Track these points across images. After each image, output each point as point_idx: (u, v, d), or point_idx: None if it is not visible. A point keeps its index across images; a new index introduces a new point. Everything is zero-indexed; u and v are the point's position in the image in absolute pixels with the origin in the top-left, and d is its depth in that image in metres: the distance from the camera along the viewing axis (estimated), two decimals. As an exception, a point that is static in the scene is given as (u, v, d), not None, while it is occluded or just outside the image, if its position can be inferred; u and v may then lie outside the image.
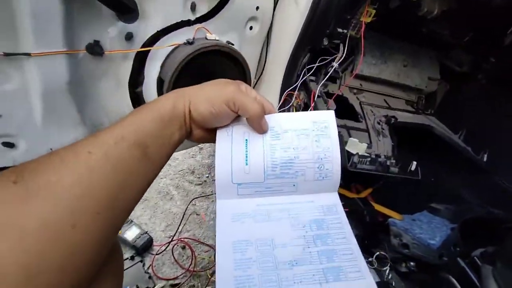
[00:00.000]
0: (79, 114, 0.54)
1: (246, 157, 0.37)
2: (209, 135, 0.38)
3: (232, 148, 0.37)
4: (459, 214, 0.86)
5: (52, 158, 0.25)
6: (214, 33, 0.58)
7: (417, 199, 0.97)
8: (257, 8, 0.63)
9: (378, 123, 0.96)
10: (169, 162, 0.83)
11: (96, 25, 0.50)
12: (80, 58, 0.51)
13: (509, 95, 0.94)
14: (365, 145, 0.70)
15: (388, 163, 0.71)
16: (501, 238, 0.57)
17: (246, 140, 0.37)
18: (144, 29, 0.54)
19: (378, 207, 0.80)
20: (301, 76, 0.87)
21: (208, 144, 1.03)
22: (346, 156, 0.66)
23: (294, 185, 0.38)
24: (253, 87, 0.93)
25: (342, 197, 0.78)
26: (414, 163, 0.74)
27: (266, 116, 0.37)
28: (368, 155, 0.69)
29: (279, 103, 0.90)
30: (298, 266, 0.33)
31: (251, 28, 0.66)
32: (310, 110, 0.83)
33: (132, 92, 0.59)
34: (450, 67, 1.10)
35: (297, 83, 0.87)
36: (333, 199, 0.39)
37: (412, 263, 0.64)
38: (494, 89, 0.98)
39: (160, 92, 0.60)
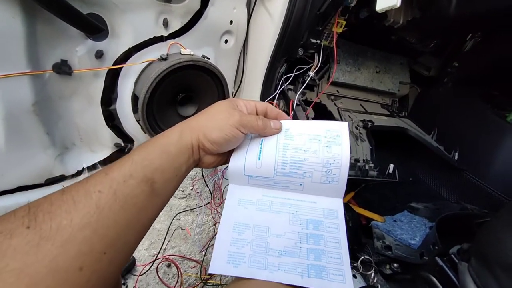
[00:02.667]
0: (48, 135, 0.52)
1: (260, 153, 0.40)
2: (220, 158, 0.39)
3: (248, 146, 0.40)
4: (437, 212, 0.90)
5: (64, 199, 0.25)
6: (189, 48, 0.58)
7: (397, 200, 1.00)
8: (231, 22, 0.63)
9: (356, 128, 0.99)
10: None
11: (63, 45, 0.48)
12: (46, 78, 0.49)
13: (472, 96, 1.00)
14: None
15: (366, 167, 0.73)
16: (474, 234, 0.60)
17: (262, 140, 0.40)
18: (115, 46, 0.53)
19: (360, 211, 0.82)
20: (279, 85, 0.88)
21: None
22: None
23: (300, 185, 0.40)
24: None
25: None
26: (392, 165, 0.76)
27: (284, 121, 0.41)
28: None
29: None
30: (286, 256, 0.36)
31: (226, 41, 0.67)
32: (290, 118, 0.84)
33: (105, 110, 0.57)
34: (419, 72, 1.16)
35: (275, 93, 0.88)
36: (336, 205, 0.40)
37: (395, 265, 0.65)
38: (459, 91, 1.05)
39: (135, 109, 0.58)
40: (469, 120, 0.98)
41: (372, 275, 0.62)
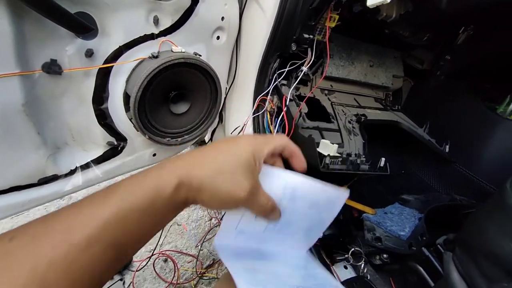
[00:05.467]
0: (39, 135, 0.52)
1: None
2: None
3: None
4: (427, 204, 0.92)
5: (27, 233, 0.22)
6: (180, 45, 0.58)
7: (389, 192, 1.02)
8: (222, 18, 0.63)
9: (349, 122, 1.00)
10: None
11: (52, 44, 0.47)
12: (36, 78, 0.48)
13: (463, 89, 1.01)
14: (336, 146, 0.72)
15: (358, 161, 0.74)
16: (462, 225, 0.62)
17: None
18: (106, 45, 0.52)
19: (352, 203, 0.84)
20: (273, 81, 0.88)
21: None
22: (318, 158, 0.68)
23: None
24: (226, 95, 0.94)
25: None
26: (383, 159, 0.78)
27: (290, 176, 0.35)
28: (339, 155, 0.72)
29: (253, 108, 0.91)
30: None
31: (218, 38, 0.66)
32: (283, 114, 0.85)
33: (97, 109, 0.57)
34: (412, 65, 1.17)
35: (269, 88, 0.88)
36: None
37: (385, 256, 0.67)
38: (451, 84, 1.06)
39: (127, 107, 0.58)
40: (461, 113, 0.99)
41: (362, 266, 0.64)
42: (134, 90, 0.53)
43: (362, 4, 0.81)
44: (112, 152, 0.63)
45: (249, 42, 0.84)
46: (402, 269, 0.62)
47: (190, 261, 0.91)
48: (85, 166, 0.59)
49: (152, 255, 0.88)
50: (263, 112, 0.93)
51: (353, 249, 0.67)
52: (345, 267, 0.63)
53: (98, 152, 0.61)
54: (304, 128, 0.85)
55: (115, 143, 0.62)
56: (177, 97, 0.64)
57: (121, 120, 0.60)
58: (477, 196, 0.92)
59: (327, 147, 0.72)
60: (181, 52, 0.57)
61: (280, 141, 0.34)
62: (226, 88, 0.85)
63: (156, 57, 0.54)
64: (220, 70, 0.71)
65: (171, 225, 1.02)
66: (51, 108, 0.53)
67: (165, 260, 0.89)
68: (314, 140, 0.68)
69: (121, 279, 0.77)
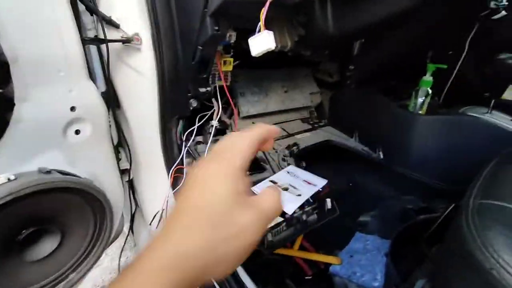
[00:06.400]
0: None
1: None
2: None
3: None
4: (383, 221, 0.88)
5: None
6: (5, 169, 0.38)
7: (345, 214, 0.96)
8: (73, 108, 0.45)
9: (283, 160, 0.91)
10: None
11: None
12: None
13: (374, 93, 1.04)
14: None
15: (304, 216, 0.64)
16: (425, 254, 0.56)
17: None
18: None
19: (315, 257, 0.73)
20: (183, 145, 0.73)
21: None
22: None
23: None
24: (129, 178, 0.74)
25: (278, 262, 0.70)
26: (328, 200, 0.69)
27: None
28: (281, 220, 0.60)
29: (169, 183, 0.74)
30: None
31: (77, 132, 0.47)
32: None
33: None
34: (323, 79, 1.17)
35: (181, 154, 0.73)
36: None
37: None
38: (362, 91, 1.08)
39: None
40: (380, 117, 1.01)
41: None
42: None
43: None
44: None
45: (137, 113, 0.67)
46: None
47: None
48: None
49: None
50: (183, 183, 0.76)
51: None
52: None
53: None
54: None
55: None
56: (33, 236, 0.43)
57: None
58: (419, 191, 0.93)
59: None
60: (7, 181, 0.37)
61: (250, 147, 0.24)
62: (126, 181, 0.66)
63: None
64: (99, 166, 0.52)
65: None
66: None
67: None
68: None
69: None
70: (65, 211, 0.45)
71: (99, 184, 0.50)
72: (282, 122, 1.08)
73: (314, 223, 0.64)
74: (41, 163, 0.43)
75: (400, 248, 0.67)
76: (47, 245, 0.44)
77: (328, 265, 0.70)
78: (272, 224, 0.58)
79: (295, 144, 0.97)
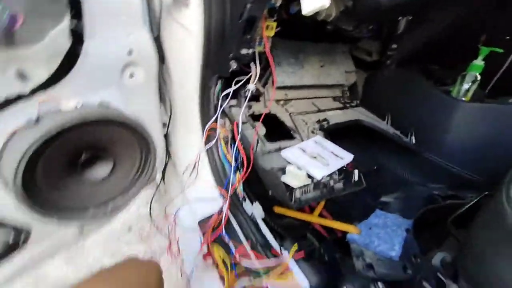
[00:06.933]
0: None
1: None
2: None
3: None
4: (407, 202, 0.88)
5: None
6: (77, 96, 0.43)
7: (367, 194, 0.97)
8: (130, 52, 0.49)
9: (312, 132, 0.92)
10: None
11: None
12: None
13: (415, 75, 1.00)
14: (304, 172, 0.63)
15: (331, 182, 0.66)
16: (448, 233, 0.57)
17: None
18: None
19: (334, 224, 0.75)
20: (219, 105, 0.76)
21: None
22: (286, 194, 0.58)
23: None
24: (167, 131, 0.79)
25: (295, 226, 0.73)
26: (356, 172, 0.70)
27: None
28: (309, 181, 0.62)
29: (203, 140, 0.78)
30: None
31: (131, 75, 0.52)
32: (236, 142, 0.73)
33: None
34: (361, 58, 1.13)
35: (216, 114, 0.76)
36: None
37: (380, 286, 0.59)
38: (401, 71, 1.04)
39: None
40: (418, 100, 0.97)
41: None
42: (11, 174, 0.37)
43: (299, 3, 0.73)
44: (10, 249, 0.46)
45: (179, 69, 0.71)
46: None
47: None
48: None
49: None
50: (216, 142, 0.81)
51: (345, 286, 0.58)
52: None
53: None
54: (265, 154, 0.74)
55: (10, 242, 0.45)
56: (91, 160, 0.49)
57: (10, 211, 0.43)
58: (448, 181, 0.90)
59: (294, 176, 0.62)
60: (76, 108, 0.42)
61: None
62: (166, 127, 0.71)
63: (37, 122, 0.39)
64: (146, 113, 0.57)
65: None
66: None
67: None
68: (277, 175, 0.58)
69: None
70: (118, 143, 0.51)
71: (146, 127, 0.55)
72: (314, 98, 1.07)
73: (340, 191, 0.65)
74: (101, 97, 0.48)
75: (422, 227, 0.68)
76: (102, 171, 0.50)
77: (345, 234, 0.72)
78: (301, 184, 0.60)
79: (325, 119, 0.97)
